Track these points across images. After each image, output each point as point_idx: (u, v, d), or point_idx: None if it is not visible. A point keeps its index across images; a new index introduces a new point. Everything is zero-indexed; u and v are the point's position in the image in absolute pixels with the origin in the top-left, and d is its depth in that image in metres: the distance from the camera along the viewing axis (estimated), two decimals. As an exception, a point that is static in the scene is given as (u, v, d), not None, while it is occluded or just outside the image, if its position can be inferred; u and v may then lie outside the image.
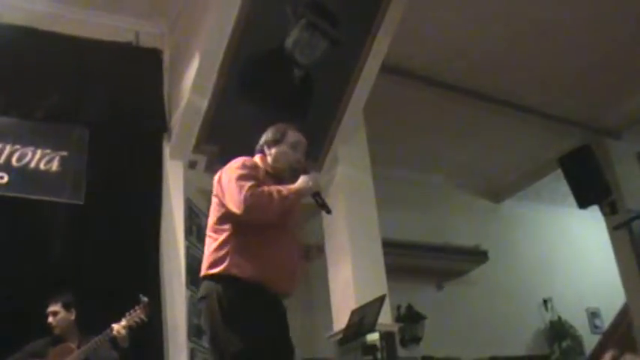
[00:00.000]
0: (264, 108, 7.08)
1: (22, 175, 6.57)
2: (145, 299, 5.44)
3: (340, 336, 7.01)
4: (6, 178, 6.50)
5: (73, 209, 6.58)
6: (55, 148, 6.77)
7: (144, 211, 6.84)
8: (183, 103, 7.04)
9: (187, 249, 7.00)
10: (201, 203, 7.42)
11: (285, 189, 3.79)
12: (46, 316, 5.49)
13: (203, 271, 3.76)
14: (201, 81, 6.88)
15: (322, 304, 8.02)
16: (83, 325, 5.57)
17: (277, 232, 3.79)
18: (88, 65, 7.13)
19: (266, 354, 3.54)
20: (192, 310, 6.91)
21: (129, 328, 5.33)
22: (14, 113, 6.82)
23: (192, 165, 7.28)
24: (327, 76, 7.41)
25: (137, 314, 5.36)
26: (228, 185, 3.74)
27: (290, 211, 3.87)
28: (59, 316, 5.50)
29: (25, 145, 6.69)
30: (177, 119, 7.19)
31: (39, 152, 6.71)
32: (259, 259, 3.69)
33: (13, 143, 6.66)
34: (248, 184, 3.68)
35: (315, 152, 7.63)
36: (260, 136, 4.37)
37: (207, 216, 7.34)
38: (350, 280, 7.38)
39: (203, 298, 3.71)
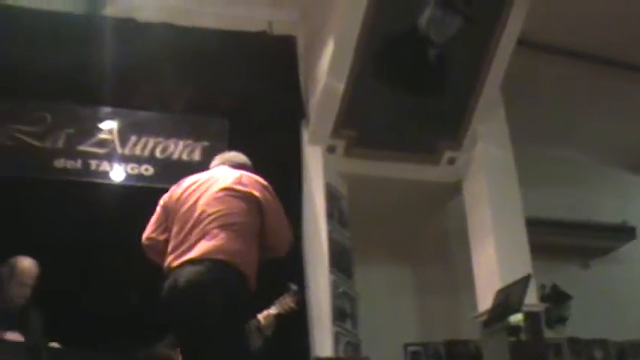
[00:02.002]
0: (401, 89, 7.07)
1: (166, 166, 6.75)
2: (295, 287, 5.43)
3: (485, 317, 6.93)
4: (151, 170, 6.71)
5: (216, 197, 6.70)
6: (197, 138, 6.92)
7: (285, 197, 6.82)
8: (319, 88, 7.08)
9: (329, 233, 7.07)
10: (342, 187, 7.48)
11: None
12: None
13: (223, 256, 3.70)
14: (336, 65, 6.90)
15: (465, 285, 7.93)
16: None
17: None
18: (224, 56, 7.23)
19: None
20: (336, 294, 6.96)
21: (278, 315, 5.34)
22: (155, 107, 7.02)
23: (331, 149, 7.31)
24: (462, 54, 7.29)
25: (286, 302, 5.36)
26: (280, 211, 4.14)
27: None
28: None
29: (167, 137, 6.87)
30: (314, 105, 7.24)
31: (181, 143, 6.88)
32: (255, 271, 3.86)
33: (156, 136, 6.86)
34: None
35: (453, 131, 7.57)
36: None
37: (345, 199, 7.44)
38: (494, 260, 7.29)
39: (218, 279, 3.65)
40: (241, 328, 3.71)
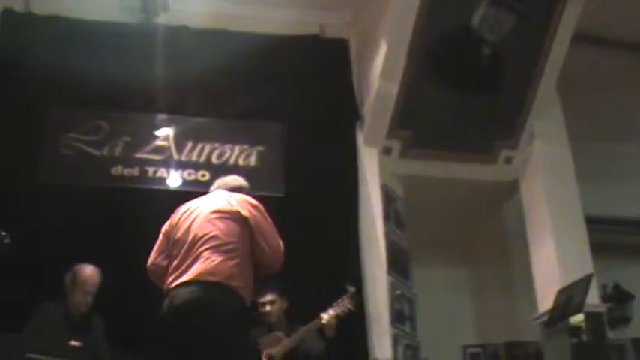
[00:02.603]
0: (456, 89, 7.04)
1: (223, 171, 6.67)
2: (353, 289, 5.43)
3: (545, 318, 6.84)
4: (207, 176, 6.77)
5: (273, 202, 6.71)
6: (252, 143, 6.99)
7: (342, 200, 6.91)
8: (373, 90, 7.06)
9: (386, 235, 7.04)
10: (398, 188, 7.46)
11: None
12: (261, 305, 5.58)
13: (216, 277, 3.85)
14: (390, 67, 6.88)
15: (524, 286, 7.83)
16: (289, 315, 5.66)
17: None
18: (277, 61, 7.27)
19: None
20: (394, 295, 6.94)
21: (337, 317, 5.34)
22: (210, 114, 7.12)
23: (386, 151, 7.29)
24: (517, 52, 7.21)
25: (344, 304, 5.37)
26: (270, 229, 4.16)
27: None
28: (276, 305, 5.58)
29: (223, 142, 6.96)
30: (368, 107, 7.22)
31: (237, 149, 6.95)
32: (250, 288, 4.00)
33: (212, 142, 6.95)
34: None
35: (509, 130, 7.50)
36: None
37: (402, 200, 7.41)
38: (553, 260, 7.17)
39: (214, 302, 3.81)
40: (239, 348, 3.77)
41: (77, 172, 6.59)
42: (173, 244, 4.13)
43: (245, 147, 6.94)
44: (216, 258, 3.88)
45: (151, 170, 6.72)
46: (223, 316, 3.74)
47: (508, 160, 7.67)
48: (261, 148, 6.96)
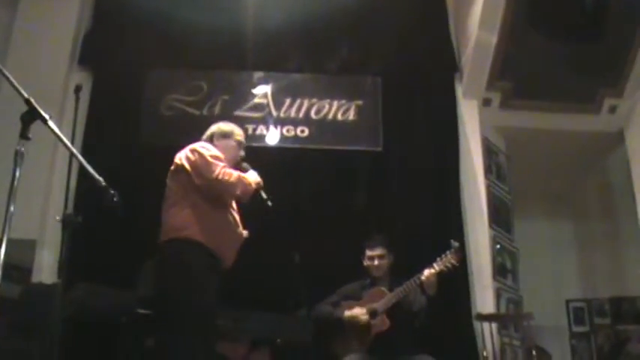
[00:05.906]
0: (557, 36, 6.84)
1: (322, 126, 6.85)
2: (456, 244, 5.36)
3: (654, 272, 6.68)
4: (307, 131, 6.81)
5: (372, 156, 6.76)
6: (350, 98, 6.97)
7: (441, 153, 6.85)
8: (471, 41, 6.93)
9: (488, 188, 6.97)
10: (499, 141, 7.35)
11: (246, 178, 4.39)
12: (369, 258, 5.59)
13: (165, 235, 4.18)
14: (488, 16, 6.73)
15: (630, 239, 7.66)
16: (392, 268, 5.64)
17: (225, 211, 4.38)
18: (374, 14, 7.19)
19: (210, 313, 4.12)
20: (496, 249, 6.87)
21: (439, 273, 5.29)
22: (308, 69, 7.10)
23: (486, 103, 7.18)
24: (622, -5, 6.94)
25: (448, 259, 5.31)
26: (201, 160, 4.25)
27: (239, 196, 4.41)
28: (384, 260, 5.58)
29: (321, 98, 6.95)
30: (467, 58, 7.09)
31: (335, 103, 6.93)
32: (215, 231, 4.22)
33: (311, 97, 6.95)
34: (221, 164, 4.28)
35: (614, 78, 7.25)
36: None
37: (503, 152, 7.30)
38: (661, 212, 6.94)
39: (166, 259, 4.15)
40: (183, 302, 4.00)
41: (178, 131, 6.65)
42: None
43: (343, 102, 6.93)
44: (169, 216, 4.25)
45: (250, 128, 6.75)
46: (174, 273, 4.06)
47: (612, 109, 7.42)
48: (359, 102, 6.93)
